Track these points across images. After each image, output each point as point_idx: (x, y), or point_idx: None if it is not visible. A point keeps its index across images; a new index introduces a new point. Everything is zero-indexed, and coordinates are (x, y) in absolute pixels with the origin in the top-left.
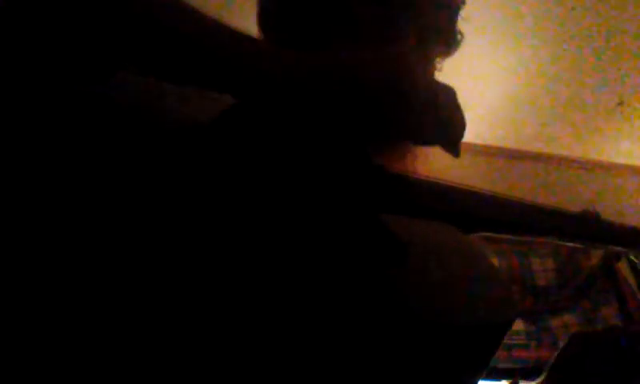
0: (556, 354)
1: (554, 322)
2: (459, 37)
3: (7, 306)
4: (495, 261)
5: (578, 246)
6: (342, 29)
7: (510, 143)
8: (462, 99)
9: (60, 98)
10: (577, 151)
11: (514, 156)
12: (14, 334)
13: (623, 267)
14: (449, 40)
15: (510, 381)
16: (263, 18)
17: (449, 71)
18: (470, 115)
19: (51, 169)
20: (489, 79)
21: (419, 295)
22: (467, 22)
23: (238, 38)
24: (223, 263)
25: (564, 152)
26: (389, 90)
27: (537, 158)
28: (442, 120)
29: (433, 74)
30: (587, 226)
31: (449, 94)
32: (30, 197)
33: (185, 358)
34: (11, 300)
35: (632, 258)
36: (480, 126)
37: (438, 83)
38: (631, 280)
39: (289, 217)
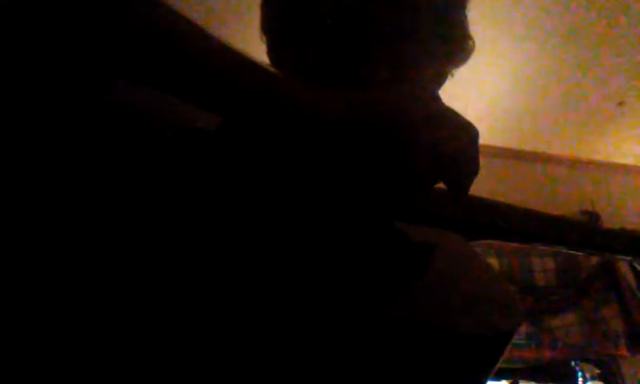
0: None
1: (554, 322)
2: (470, 43)
3: (7, 306)
4: (495, 261)
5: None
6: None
7: (510, 143)
8: (463, 99)
9: (61, 104)
10: (577, 151)
11: (514, 156)
12: (14, 334)
13: (623, 267)
14: (455, 48)
15: (510, 381)
16: (273, 47)
17: None
18: (470, 115)
19: (54, 173)
20: (489, 79)
21: (424, 301)
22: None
23: (245, 61)
24: (231, 268)
25: (564, 152)
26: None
27: (537, 158)
28: (446, 158)
29: (437, 91)
30: (588, 236)
31: (469, 132)
32: (33, 199)
33: (185, 358)
34: (11, 300)
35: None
36: (480, 126)
37: (456, 120)
38: (631, 280)
39: (304, 224)
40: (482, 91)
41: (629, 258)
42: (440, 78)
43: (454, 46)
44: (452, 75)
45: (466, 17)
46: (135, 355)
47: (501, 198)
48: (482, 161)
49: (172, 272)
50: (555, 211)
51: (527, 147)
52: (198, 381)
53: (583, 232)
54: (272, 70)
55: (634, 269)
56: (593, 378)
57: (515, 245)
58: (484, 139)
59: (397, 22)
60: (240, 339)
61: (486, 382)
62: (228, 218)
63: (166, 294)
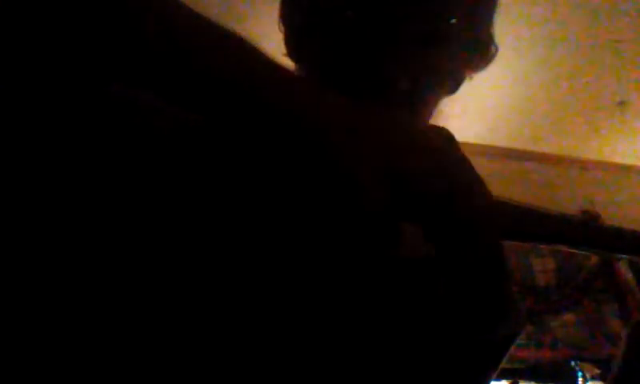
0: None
1: (554, 322)
2: (493, 49)
3: (6, 305)
4: None
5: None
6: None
7: (510, 143)
8: (463, 99)
9: (57, 97)
10: (577, 151)
11: (514, 156)
12: (13, 334)
13: (623, 267)
14: (480, 54)
15: (510, 381)
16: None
17: None
18: (470, 115)
19: (50, 169)
20: (489, 79)
21: (427, 303)
22: None
23: (280, 73)
24: (229, 269)
25: (564, 152)
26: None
27: (537, 158)
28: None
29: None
30: (587, 234)
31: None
32: (28, 197)
33: (185, 358)
34: (10, 300)
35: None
36: (480, 126)
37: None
38: (631, 280)
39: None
40: (483, 91)
41: (628, 257)
42: (457, 82)
43: (479, 52)
44: (470, 78)
45: (492, 21)
46: (135, 355)
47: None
48: (483, 161)
49: (165, 270)
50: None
51: (527, 147)
52: (199, 381)
53: (582, 230)
54: (283, 71)
55: (633, 269)
56: (593, 378)
57: (515, 244)
58: (485, 139)
59: (423, 22)
60: (234, 340)
61: (488, 383)
62: (226, 216)
63: (162, 292)
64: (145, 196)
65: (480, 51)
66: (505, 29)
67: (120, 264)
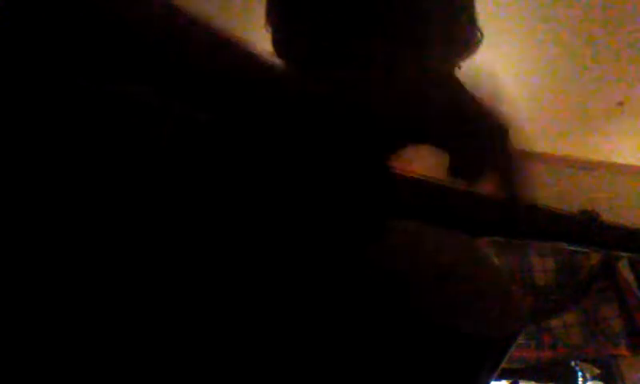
0: None
1: (554, 322)
2: (478, 35)
3: (6, 305)
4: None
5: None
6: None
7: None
8: None
9: (56, 96)
10: (577, 151)
11: None
12: (13, 334)
13: (623, 267)
14: (462, 33)
15: (510, 381)
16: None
17: None
18: None
19: (47, 168)
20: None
21: (429, 302)
22: None
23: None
24: (225, 266)
25: (564, 152)
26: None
27: (537, 158)
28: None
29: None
30: (589, 230)
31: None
32: (26, 197)
33: (183, 358)
34: (10, 300)
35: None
36: None
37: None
38: (631, 280)
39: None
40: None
41: (629, 255)
42: (447, 70)
43: (460, 31)
44: (459, 68)
45: (473, 5)
46: (135, 356)
47: None
48: None
49: (167, 270)
50: None
51: (527, 147)
52: (198, 381)
53: (584, 227)
54: (273, 64)
55: (634, 269)
56: (593, 378)
57: (515, 242)
58: None
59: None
60: (239, 339)
61: (489, 383)
62: (226, 214)
63: (161, 293)
64: (146, 195)
65: (463, 31)
66: (504, 30)
67: (118, 264)
